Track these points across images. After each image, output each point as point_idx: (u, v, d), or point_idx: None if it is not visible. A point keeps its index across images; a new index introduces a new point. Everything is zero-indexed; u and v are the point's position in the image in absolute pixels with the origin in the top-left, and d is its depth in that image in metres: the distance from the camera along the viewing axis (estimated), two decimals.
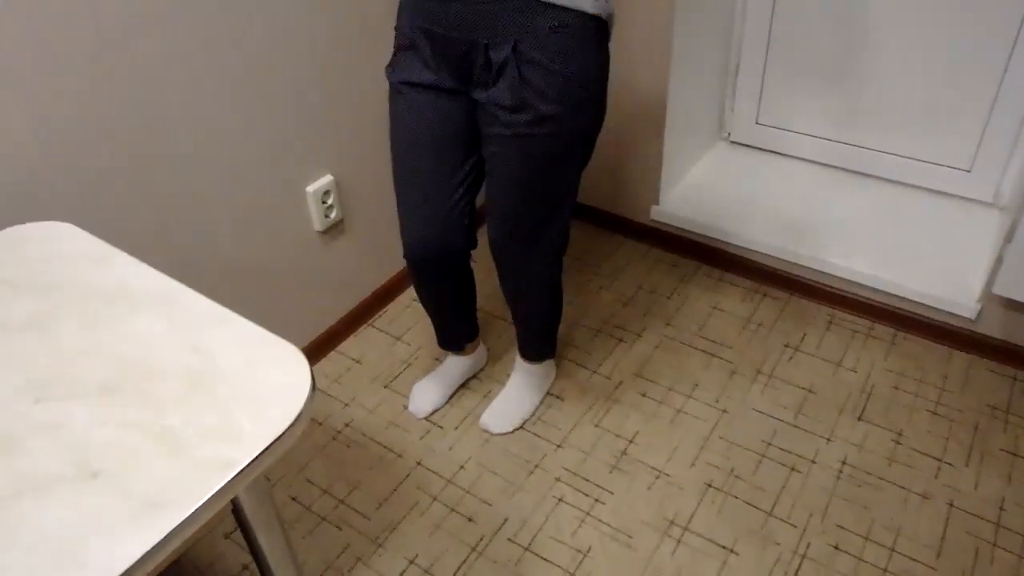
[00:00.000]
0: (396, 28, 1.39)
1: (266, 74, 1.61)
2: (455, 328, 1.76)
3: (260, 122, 1.64)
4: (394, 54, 1.40)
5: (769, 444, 1.75)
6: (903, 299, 1.97)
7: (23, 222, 1.28)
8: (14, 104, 1.22)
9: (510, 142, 1.33)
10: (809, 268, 2.08)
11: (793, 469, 1.70)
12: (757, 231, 2.15)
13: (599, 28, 1.27)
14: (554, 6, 1.21)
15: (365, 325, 2.11)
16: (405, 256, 1.54)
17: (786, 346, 1.99)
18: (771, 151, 2.47)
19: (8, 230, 1.15)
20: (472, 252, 1.59)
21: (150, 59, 1.39)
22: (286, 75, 1.65)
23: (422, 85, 1.37)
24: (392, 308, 2.17)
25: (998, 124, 2.04)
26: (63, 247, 1.11)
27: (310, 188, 1.81)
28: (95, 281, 1.04)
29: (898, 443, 1.74)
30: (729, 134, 2.52)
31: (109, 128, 1.37)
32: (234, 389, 0.87)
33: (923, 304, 1.94)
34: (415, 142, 1.41)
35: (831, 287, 2.07)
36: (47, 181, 1.30)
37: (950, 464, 1.69)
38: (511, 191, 1.40)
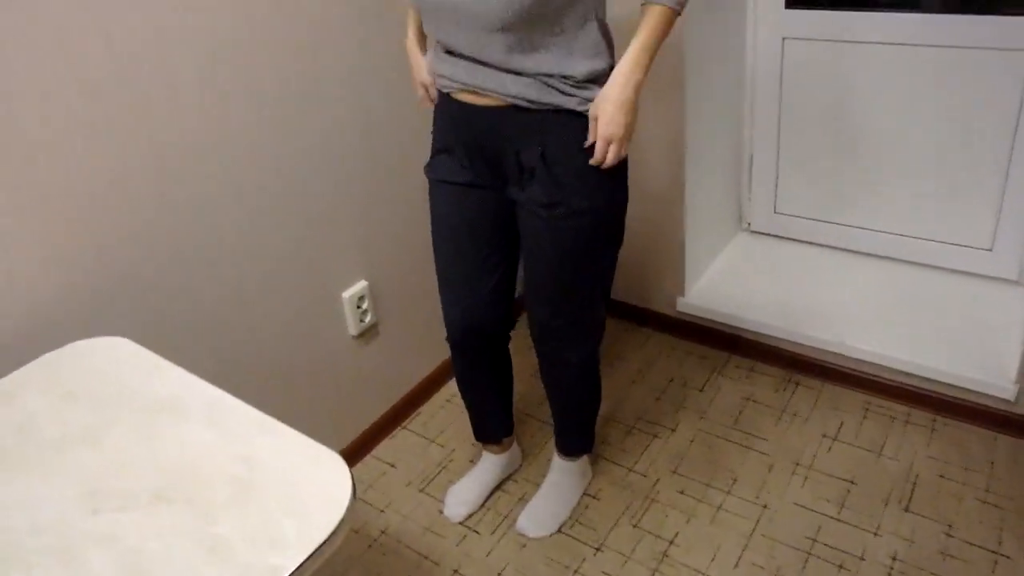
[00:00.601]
0: (432, 133, 1.51)
1: (303, 188, 1.71)
2: (493, 417, 1.79)
3: (299, 234, 1.73)
4: (432, 156, 1.52)
5: (814, 541, 1.72)
6: (939, 383, 1.96)
7: (77, 334, 1.35)
8: (79, 224, 1.33)
9: (547, 233, 1.42)
10: (841, 355, 2.08)
11: (841, 567, 1.66)
12: (785, 319, 2.17)
13: None
14: (574, 112, 1.32)
15: (399, 428, 2.13)
16: (448, 338, 1.63)
17: (824, 436, 1.97)
18: (792, 239, 2.51)
19: (71, 345, 1.23)
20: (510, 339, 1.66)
21: (204, 182, 1.51)
22: (322, 187, 1.75)
23: (459, 183, 1.48)
24: (426, 409, 2.18)
25: (1013, 202, 2.08)
26: (119, 361, 1.17)
27: (346, 294, 1.87)
28: (148, 393, 1.09)
29: (949, 535, 1.70)
30: (749, 224, 2.58)
31: (163, 247, 1.46)
32: (279, 496, 0.90)
33: (960, 387, 1.93)
34: (454, 229, 1.51)
35: (865, 373, 2.07)
36: (107, 298, 1.40)
37: (1007, 556, 1.65)
38: (550, 278, 1.47)
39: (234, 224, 1.58)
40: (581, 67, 1.30)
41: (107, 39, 1.30)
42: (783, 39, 2.23)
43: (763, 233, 2.57)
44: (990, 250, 2.17)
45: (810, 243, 2.48)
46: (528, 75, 1.30)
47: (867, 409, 2.04)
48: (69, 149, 1.29)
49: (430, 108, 1.54)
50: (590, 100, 1.32)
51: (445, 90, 1.42)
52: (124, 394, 1.10)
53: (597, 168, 1.34)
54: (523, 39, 1.26)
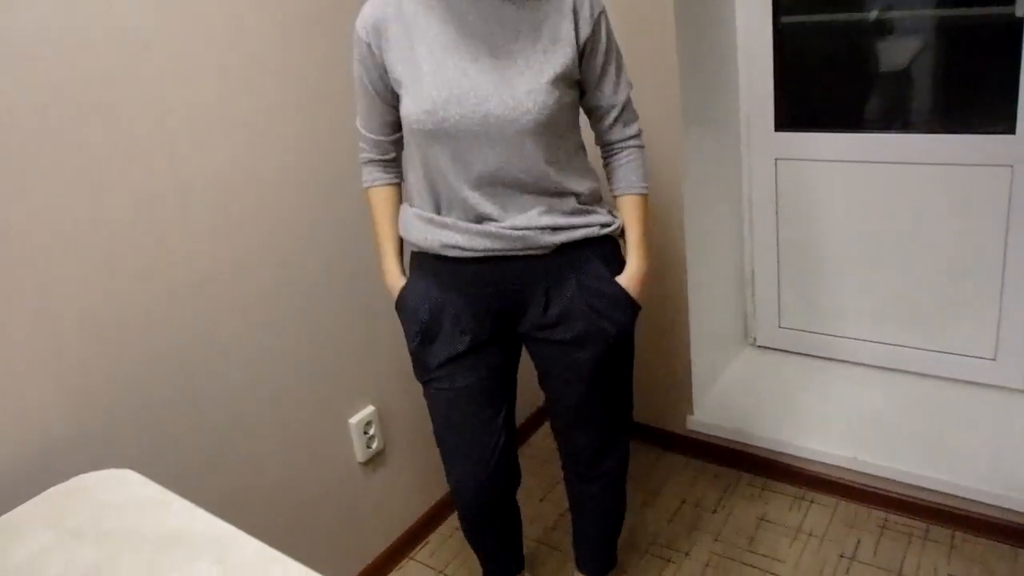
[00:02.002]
0: (407, 317, 1.46)
1: (309, 315, 1.78)
2: (502, 562, 1.77)
3: (305, 361, 1.78)
4: (416, 346, 1.46)
5: None
6: (955, 497, 1.95)
7: (86, 465, 1.39)
8: (90, 358, 1.38)
9: (580, 367, 1.45)
10: (854, 471, 2.08)
11: None
12: (796, 435, 2.18)
13: (617, 244, 1.48)
14: (596, 240, 1.41)
15: (407, 559, 2.10)
16: (455, 503, 1.60)
17: (841, 556, 1.94)
18: (798, 352, 2.54)
19: (78, 478, 1.25)
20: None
21: (213, 313, 1.58)
22: (328, 313, 1.82)
23: (458, 356, 1.44)
24: (433, 539, 2.16)
25: (1011, 310, 2.13)
26: (126, 495, 1.20)
27: (352, 420, 1.91)
28: (153, 528, 1.11)
29: None
30: (755, 339, 2.61)
31: (172, 378, 1.52)
32: None
33: (977, 501, 1.92)
34: (457, 402, 1.49)
35: (879, 489, 2.06)
36: (116, 430, 1.44)
37: None
38: (587, 404, 1.50)
39: (241, 351, 1.64)
40: (585, 187, 1.41)
41: (125, 179, 1.41)
42: (776, 160, 2.34)
43: (769, 347, 2.60)
44: (994, 359, 2.20)
45: (816, 356, 2.52)
46: (552, 194, 1.36)
47: (883, 527, 2.01)
48: (83, 285, 1.36)
49: None
50: (605, 224, 1.42)
51: (452, 255, 1.38)
52: (130, 529, 1.11)
53: (624, 291, 1.43)
54: (550, 152, 1.33)
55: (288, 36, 1.65)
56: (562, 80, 1.32)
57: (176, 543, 1.07)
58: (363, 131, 1.46)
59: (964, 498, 1.93)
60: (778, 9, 2.21)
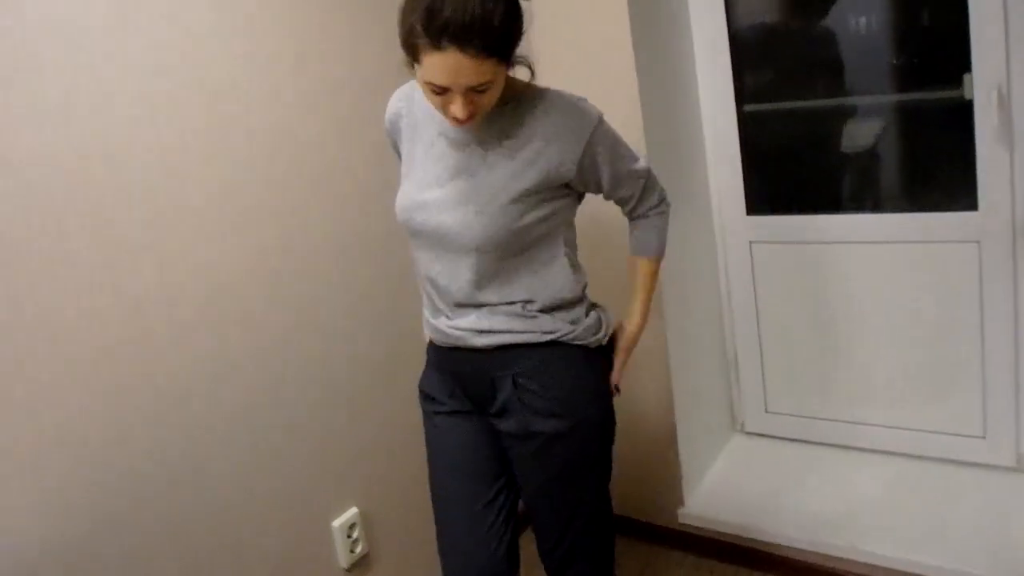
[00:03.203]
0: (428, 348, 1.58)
1: (291, 413, 1.78)
2: None
3: (287, 461, 1.78)
4: (426, 367, 1.58)
5: None
6: None
7: None
8: (71, 472, 1.38)
9: (528, 463, 1.46)
10: (852, 560, 2.06)
11: None
12: (790, 525, 2.17)
13: (586, 350, 1.47)
14: (538, 345, 1.42)
15: None
16: None
17: None
18: (787, 438, 2.55)
19: None
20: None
21: (194, 416, 1.59)
22: (309, 410, 1.82)
23: (446, 410, 1.52)
24: None
25: (996, 386, 2.17)
26: None
27: (335, 523, 1.88)
28: None
29: None
30: (743, 425, 2.61)
31: (152, 486, 1.52)
32: None
33: None
34: (448, 470, 1.51)
35: None
36: (97, 542, 1.42)
37: None
38: (543, 509, 1.50)
39: (221, 452, 1.64)
40: (545, 297, 1.42)
41: (113, 288, 1.44)
42: (750, 243, 2.40)
43: (757, 434, 2.60)
44: (983, 437, 2.21)
45: (805, 441, 2.52)
46: (492, 305, 1.41)
47: None
48: (66, 396, 1.37)
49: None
50: (548, 331, 1.42)
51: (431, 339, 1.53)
52: None
53: (571, 395, 1.43)
54: (495, 267, 1.38)
55: (271, 146, 1.71)
56: (532, 195, 1.35)
57: None
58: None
59: None
60: (741, 98, 2.32)
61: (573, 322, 1.45)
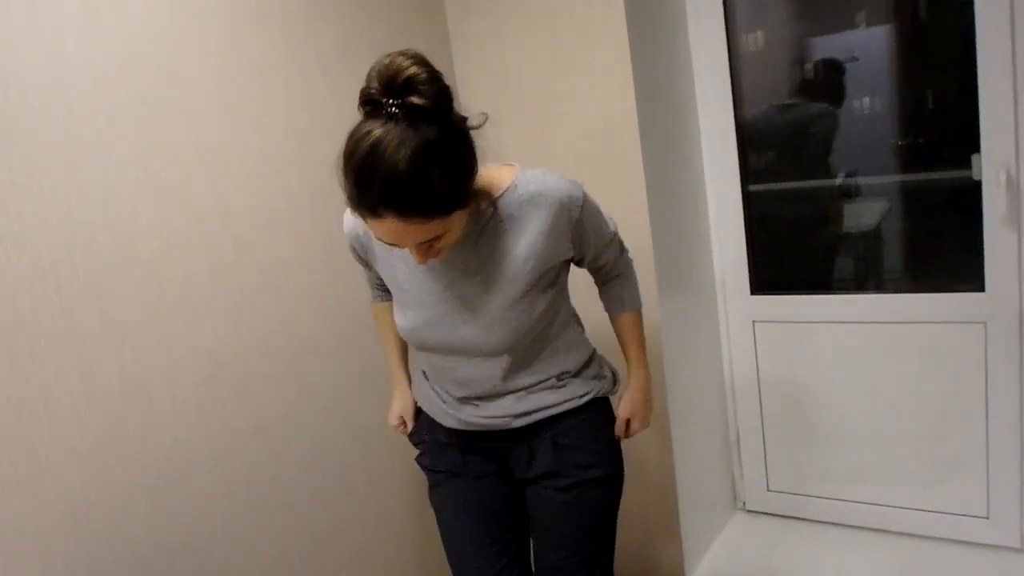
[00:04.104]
0: (417, 431, 1.59)
1: (294, 494, 1.78)
2: None
3: (288, 544, 1.76)
4: (423, 448, 1.58)
5: None
6: None
7: None
8: (76, 551, 1.37)
9: (560, 510, 1.48)
10: None
11: None
12: None
13: (607, 402, 1.55)
14: (572, 411, 1.47)
15: None
16: None
17: None
18: (788, 516, 2.56)
19: None
20: None
21: (198, 497, 1.59)
22: (311, 493, 1.82)
23: (452, 473, 1.54)
24: None
25: (1000, 467, 2.21)
26: None
27: None
28: None
29: None
30: (744, 503, 2.61)
31: (155, 564, 1.50)
32: None
33: None
34: (468, 524, 1.53)
35: None
36: None
37: None
38: (566, 556, 1.50)
39: (224, 535, 1.64)
40: (571, 362, 1.48)
41: (118, 358, 1.45)
42: (753, 322, 2.43)
43: (759, 512, 2.60)
44: (987, 518, 2.24)
45: (807, 520, 2.53)
46: (527, 388, 1.44)
47: None
48: (71, 475, 1.38)
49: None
50: (584, 394, 1.47)
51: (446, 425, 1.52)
52: None
53: (608, 444, 1.51)
54: (523, 358, 1.42)
55: (272, 216, 1.76)
56: (537, 285, 1.37)
57: None
58: (364, 271, 1.60)
59: None
60: (746, 178, 2.39)
61: (596, 377, 1.52)
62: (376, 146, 1.09)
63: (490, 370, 1.41)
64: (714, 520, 2.52)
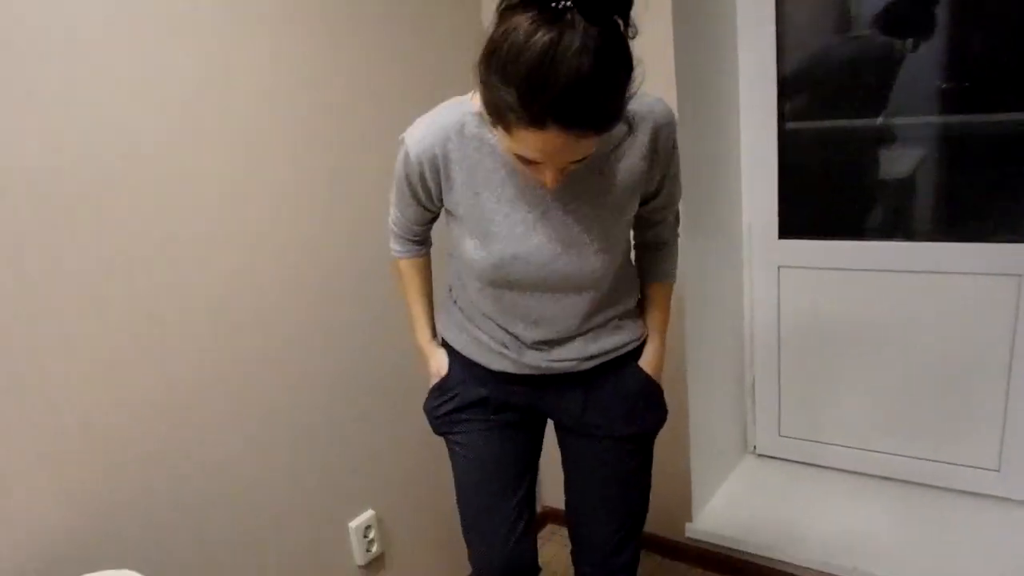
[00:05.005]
0: (445, 388, 1.52)
1: (310, 418, 1.82)
2: None
3: (305, 464, 1.82)
4: (448, 409, 1.52)
5: None
6: None
7: (91, 568, 1.40)
8: (89, 461, 1.41)
9: (612, 454, 1.51)
10: None
11: None
12: (796, 545, 2.24)
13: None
14: (631, 352, 1.47)
15: None
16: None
17: None
18: (798, 461, 2.59)
19: None
20: None
21: (211, 415, 1.61)
22: (328, 416, 1.86)
23: (490, 423, 1.51)
24: None
25: (1016, 421, 2.24)
26: None
27: (352, 524, 1.94)
28: None
29: None
30: (755, 448, 2.64)
31: (170, 480, 1.55)
32: None
33: None
34: (486, 474, 1.53)
35: None
36: (114, 532, 1.46)
37: None
38: (618, 495, 1.55)
39: (240, 454, 1.68)
40: (632, 301, 1.48)
41: (127, 279, 1.44)
42: (778, 267, 2.41)
43: (769, 456, 2.63)
44: (997, 471, 2.26)
45: (816, 465, 2.57)
46: (597, 327, 1.41)
47: None
48: (85, 387, 1.39)
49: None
50: (639, 337, 1.48)
51: (498, 368, 1.46)
52: None
53: (656, 392, 1.52)
54: (608, 293, 1.39)
55: (290, 149, 1.71)
56: (630, 214, 1.34)
57: None
58: (401, 217, 1.46)
59: None
60: (783, 115, 2.33)
61: (642, 320, 1.51)
62: (553, 49, 0.96)
63: (574, 308, 1.36)
64: (724, 463, 2.56)
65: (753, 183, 2.42)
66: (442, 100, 1.31)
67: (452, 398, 1.52)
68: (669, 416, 2.13)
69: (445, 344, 1.55)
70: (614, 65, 1.01)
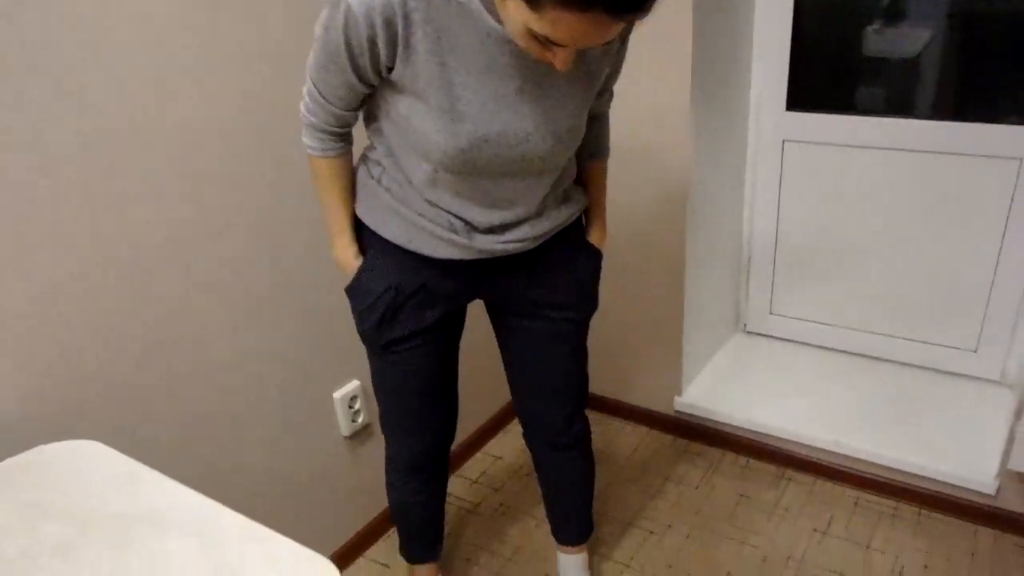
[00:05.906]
0: (362, 302, 1.43)
1: (293, 284, 1.81)
2: (435, 532, 1.85)
3: (288, 332, 1.83)
4: (376, 320, 1.43)
5: None
6: (924, 478, 2.16)
7: (49, 441, 1.34)
8: (43, 323, 1.35)
9: (570, 335, 1.59)
10: (833, 452, 2.22)
11: None
12: (780, 419, 2.36)
13: None
14: (575, 222, 1.52)
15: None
16: (396, 468, 1.69)
17: (814, 530, 2.06)
18: (786, 339, 2.71)
19: (34, 450, 1.20)
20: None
21: (184, 280, 1.57)
22: (312, 284, 1.85)
23: (421, 330, 1.47)
24: None
25: (998, 307, 2.32)
26: (89, 467, 1.14)
27: (337, 394, 1.98)
28: (122, 502, 1.07)
29: None
30: (745, 325, 2.70)
31: (138, 346, 1.52)
32: None
33: (944, 483, 2.13)
34: (421, 387, 1.55)
35: (854, 470, 2.19)
36: (75, 401, 1.43)
37: None
38: (569, 371, 1.64)
39: (217, 320, 1.65)
40: (572, 175, 1.49)
41: (78, 125, 1.35)
42: (783, 141, 2.42)
43: (759, 334, 2.70)
44: (975, 351, 2.35)
45: (804, 343, 2.71)
46: (550, 206, 1.42)
47: (856, 504, 2.15)
48: (53, 257, 1.33)
49: None
50: (581, 205, 1.51)
51: (440, 256, 1.38)
52: (96, 504, 1.06)
53: (597, 270, 1.58)
54: (560, 177, 1.40)
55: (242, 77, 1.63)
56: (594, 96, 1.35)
57: (149, 518, 1.03)
58: (323, 102, 1.27)
59: (932, 479, 2.12)
60: None
61: (579, 185, 1.53)
62: None
63: (535, 190, 1.34)
64: (715, 338, 2.67)
65: (766, 54, 2.35)
66: None
67: (380, 316, 1.42)
68: (666, 293, 2.20)
69: (364, 229, 1.42)
70: None
